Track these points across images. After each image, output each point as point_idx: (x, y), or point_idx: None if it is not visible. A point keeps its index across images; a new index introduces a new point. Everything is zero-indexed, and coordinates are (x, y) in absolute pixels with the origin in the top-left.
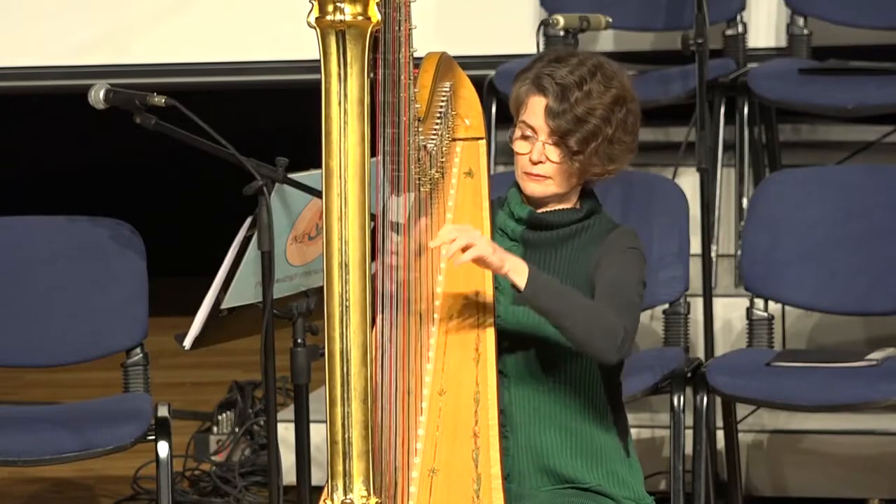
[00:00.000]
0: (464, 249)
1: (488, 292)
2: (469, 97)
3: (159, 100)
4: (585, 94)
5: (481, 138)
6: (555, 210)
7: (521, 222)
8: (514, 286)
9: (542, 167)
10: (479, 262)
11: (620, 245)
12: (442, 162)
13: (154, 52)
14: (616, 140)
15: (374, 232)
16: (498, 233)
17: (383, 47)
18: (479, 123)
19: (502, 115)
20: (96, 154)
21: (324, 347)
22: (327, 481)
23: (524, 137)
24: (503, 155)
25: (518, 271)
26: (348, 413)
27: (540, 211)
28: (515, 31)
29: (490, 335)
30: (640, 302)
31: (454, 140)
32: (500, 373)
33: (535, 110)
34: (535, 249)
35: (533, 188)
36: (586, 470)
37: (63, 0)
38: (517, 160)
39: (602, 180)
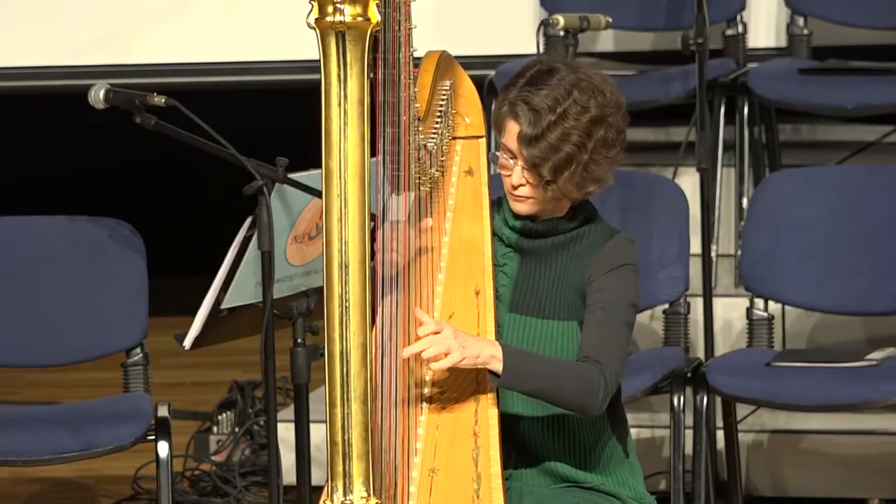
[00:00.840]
0: (437, 357)
1: (489, 294)
2: (469, 95)
3: (159, 100)
4: (560, 117)
5: (481, 136)
6: (547, 219)
7: (514, 230)
8: (492, 373)
9: (523, 189)
10: (455, 365)
11: (615, 260)
12: (442, 160)
13: (154, 52)
14: (594, 161)
15: (373, 231)
16: (495, 237)
17: (383, 47)
18: (479, 122)
19: None
20: (96, 154)
21: (324, 347)
22: (327, 482)
23: (504, 159)
24: None
25: (493, 360)
26: (348, 414)
27: (532, 220)
28: (515, 31)
29: (490, 335)
30: (630, 328)
31: (454, 138)
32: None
33: (511, 135)
34: (530, 257)
35: (518, 207)
36: (586, 471)
37: (63, 0)
38: (503, 178)
39: (589, 196)
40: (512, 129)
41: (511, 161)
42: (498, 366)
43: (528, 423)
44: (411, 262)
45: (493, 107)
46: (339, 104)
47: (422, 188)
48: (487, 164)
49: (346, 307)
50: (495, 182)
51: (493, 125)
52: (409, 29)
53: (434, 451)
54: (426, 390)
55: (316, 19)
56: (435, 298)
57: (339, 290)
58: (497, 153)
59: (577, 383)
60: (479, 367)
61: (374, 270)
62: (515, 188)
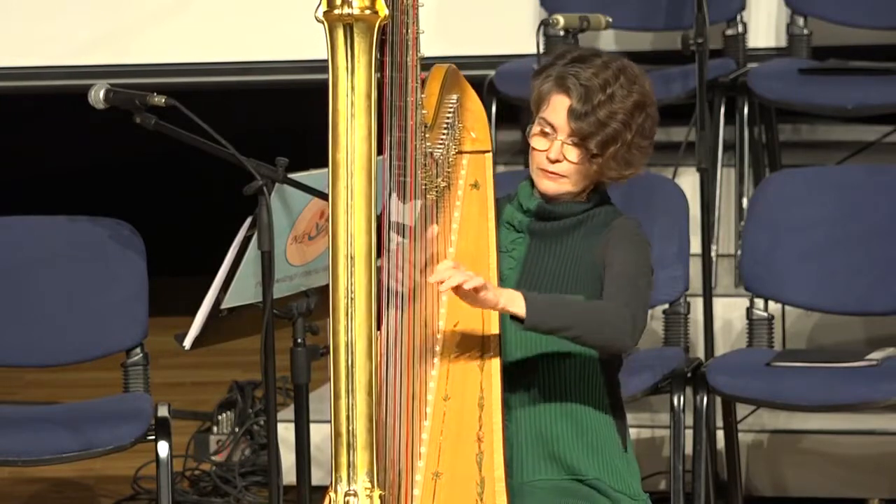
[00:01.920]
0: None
1: None
2: (475, 110)
3: (159, 100)
4: (609, 98)
5: (488, 151)
6: (563, 202)
7: (528, 213)
8: (515, 318)
9: (559, 166)
10: (473, 298)
11: (625, 232)
12: (448, 172)
13: (154, 52)
14: (634, 145)
15: (379, 233)
16: (505, 226)
17: (390, 49)
18: (485, 136)
19: (502, 116)
20: (96, 154)
21: (324, 347)
22: (332, 473)
23: (543, 134)
24: (503, 155)
25: (515, 302)
26: (353, 405)
27: (549, 203)
28: (515, 31)
29: (494, 340)
30: (649, 287)
31: (460, 153)
32: (502, 365)
33: (557, 109)
34: (541, 239)
35: (547, 185)
36: (587, 459)
37: (63, 0)
38: (533, 156)
39: (616, 183)
40: (558, 103)
41: (552, 135)
42: (521, 306)
43: (532, 409)
44: (417, 271)
45: (492, 106)
46: (347, 96)
47: (428, 196)
48: (494, 178)
49: (351, 298)
50: (495, 183)
51: (533, 101)
52: (417, 33)
53: (438, 456)
54: (431, 396)
55: (324, 12)
56: (440, 307)
57: (345, 282)
58: (533, 126)
59: (603, 315)
60: (500, 307)
61: (378, 270)
62: (552, 162)
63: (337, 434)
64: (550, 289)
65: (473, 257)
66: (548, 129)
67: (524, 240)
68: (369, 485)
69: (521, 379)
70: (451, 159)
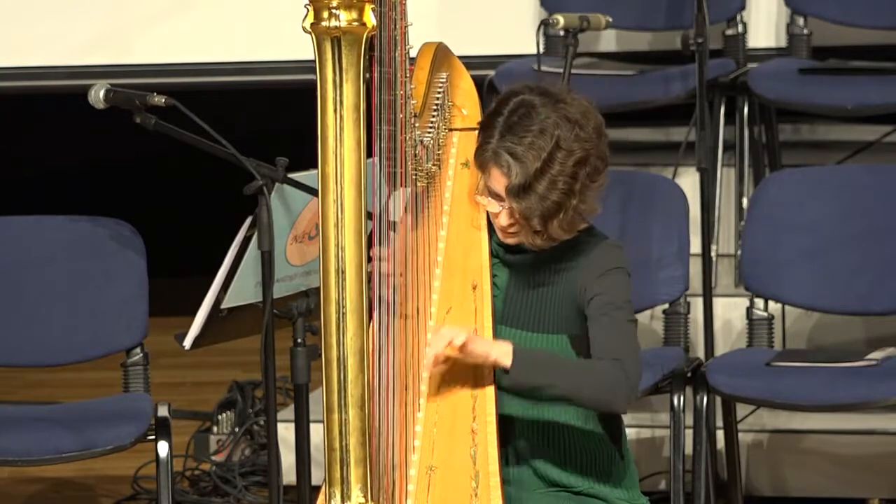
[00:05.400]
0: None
1: (486, 288)
2: (466, 87)
3: (159, 99)
4: (546, 164)
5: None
6: None
7: (501, 245)
8: (503, 370)
9: (512, 227)
10: (466, 352)
11: (605, 264)
12: (439, 154)
13: (154, 52)
14: (583, 200)
15: (370, 233)
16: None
17: (379, 46)
18: (476, 113)
19: None
20: (96, 154)
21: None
22: (325, 488)
23: (491, 202)
24: None
25: (504, 354)
26: (345, 420)
27: None
28: (515, 31)
29: (488, 333)
30: (635, 325)
31: (451, 130)
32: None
33: (497, 181)
34: (519, 270)
35: (508, 240)
36: (579, 474)
37: (63, 0)
38: (489, 212)
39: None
40: (497, 176)
41: (499, 205)
42: (507, 361)
43: (523, 427)
44: (408, 258)
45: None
46: (335, 110)
47: (418, 184)
48: None
49: (343, 313)
50: None
51: (477, 167)
52: (406, 27)
53: (432, 449)
54: (424, 387)
55: (311, 24)
56: (432, 294)
57: (336, 296)
58: (482, 198)
59: (596, 378)
60: (490, 361)
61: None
62: (504, 228)
63: (330, 449)
64: (531, 321)
65: (465, 239)
66: (494, 199)
67: (502, 269)
68: (362, 499)
69: (510, 397)
70: (441, 140)
